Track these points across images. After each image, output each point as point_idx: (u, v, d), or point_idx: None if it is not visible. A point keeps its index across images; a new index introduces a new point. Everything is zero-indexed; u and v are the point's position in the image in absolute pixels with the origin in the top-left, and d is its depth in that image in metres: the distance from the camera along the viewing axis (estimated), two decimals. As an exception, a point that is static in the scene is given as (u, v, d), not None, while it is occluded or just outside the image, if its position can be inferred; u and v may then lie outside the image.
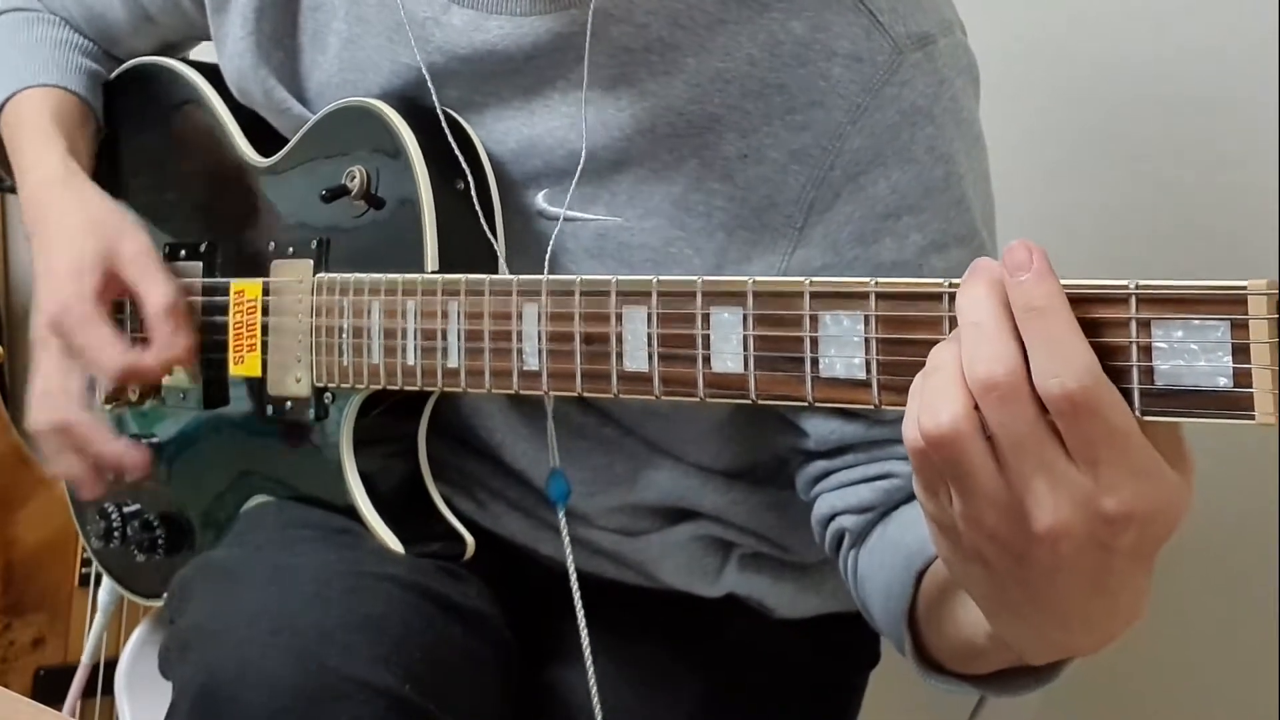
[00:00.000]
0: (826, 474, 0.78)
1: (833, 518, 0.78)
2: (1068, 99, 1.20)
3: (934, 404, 0.51)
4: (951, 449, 0.50)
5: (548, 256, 0.77)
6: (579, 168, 0.76)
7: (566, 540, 0.76)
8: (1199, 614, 1.17)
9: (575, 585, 0.74)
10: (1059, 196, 1.20)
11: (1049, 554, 0.51)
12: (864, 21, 0.74)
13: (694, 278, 0.64)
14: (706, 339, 0.63)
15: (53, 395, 0.87)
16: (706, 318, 0.63)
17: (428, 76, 0.81)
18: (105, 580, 1.08)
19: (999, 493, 0.50)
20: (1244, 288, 0.48)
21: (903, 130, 0.74)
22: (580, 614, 0.73)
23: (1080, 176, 1.20)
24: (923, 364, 0.55)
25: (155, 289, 0.86)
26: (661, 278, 0.65)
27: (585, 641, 0.73)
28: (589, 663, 0.73)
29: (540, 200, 0.80)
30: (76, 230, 0.89)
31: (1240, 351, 0.48)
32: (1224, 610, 1.16)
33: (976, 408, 0.50)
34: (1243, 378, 0.48)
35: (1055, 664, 0.62)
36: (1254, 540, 1.12)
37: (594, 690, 0.74)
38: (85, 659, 1.22)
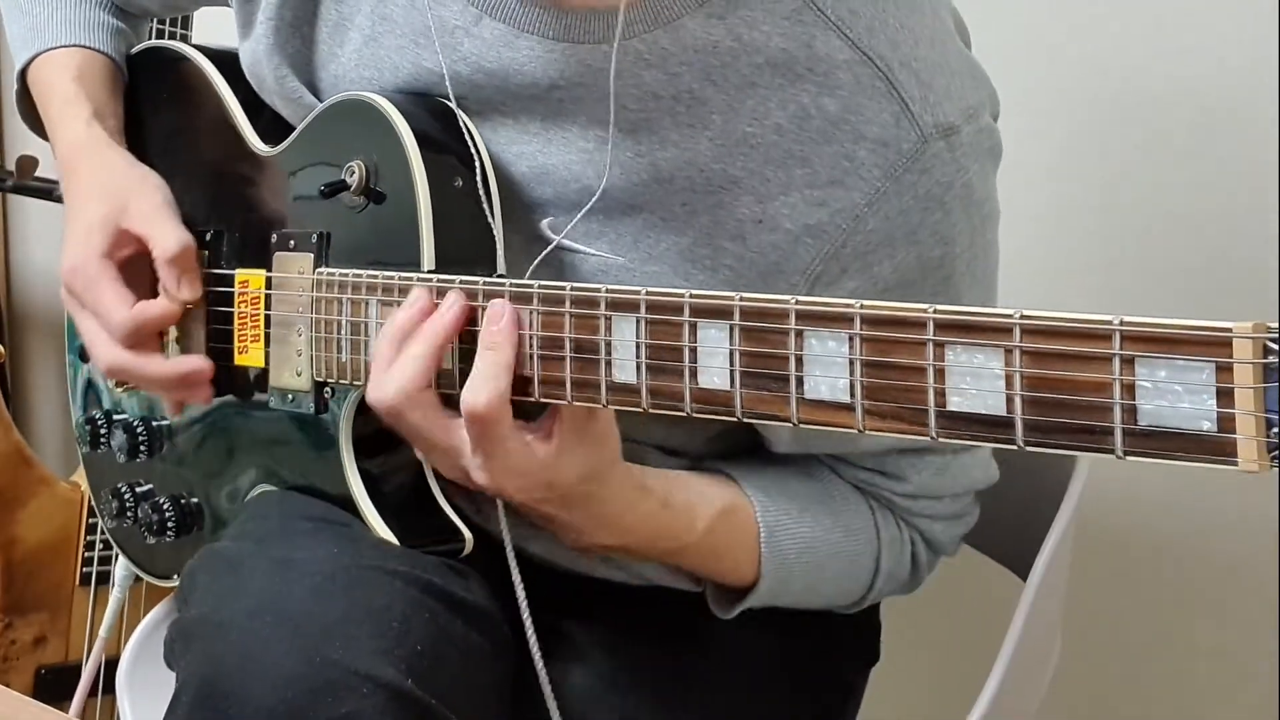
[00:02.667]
0: None
1: None
2: (1068, 98, 1.18)
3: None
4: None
5: (536, 276, 0.77)
6: (590, 203, 0.76)
7: (503, 517, 0.79)
8: (1199, 614, 1.16)
9: (515, 570, 0.78)
10: (1059, 195, 1.18)
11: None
12: (895, 109, 0.73)
13: (682, 290, 0.63)
14: (694, 353, 0.62)
15: (94, 346, 0.89)
16: (694, 330, 0.62)
17: (449, 84, 0.80)
18: (120, 559, 1.10)
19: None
20: (1229, 330, 0.46)
21: (914, 215, 0.74)
22: (523, 600, 0.77)
23: (1079, 176, 1.19)
24: (907, 389, 0.55)
25: (161, 237, 0.87)
26: (650, 289, 0.64)
27: (530, 632, 0.77)
28: (536, 656, 0.78)
29: (544, 226, 0.79)
30: (91, 194, 0.91)
31: (1224, 395, 0.46)
32: (1224, 610, 1.15)
33: None
34: (1226, 422, 0.46)
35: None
36: (1254, 541, 1.10)
37: (546, 687, 0.78)
38: (102, 633, 1.23)
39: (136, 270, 0.89)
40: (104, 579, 1.57)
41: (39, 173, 1.40)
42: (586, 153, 0.77)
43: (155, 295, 0.89)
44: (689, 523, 0.80)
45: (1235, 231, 1.11)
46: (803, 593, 0.85)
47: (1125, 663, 1.19)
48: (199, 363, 0.88)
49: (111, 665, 1.10)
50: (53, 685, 1.56)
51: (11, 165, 1.41)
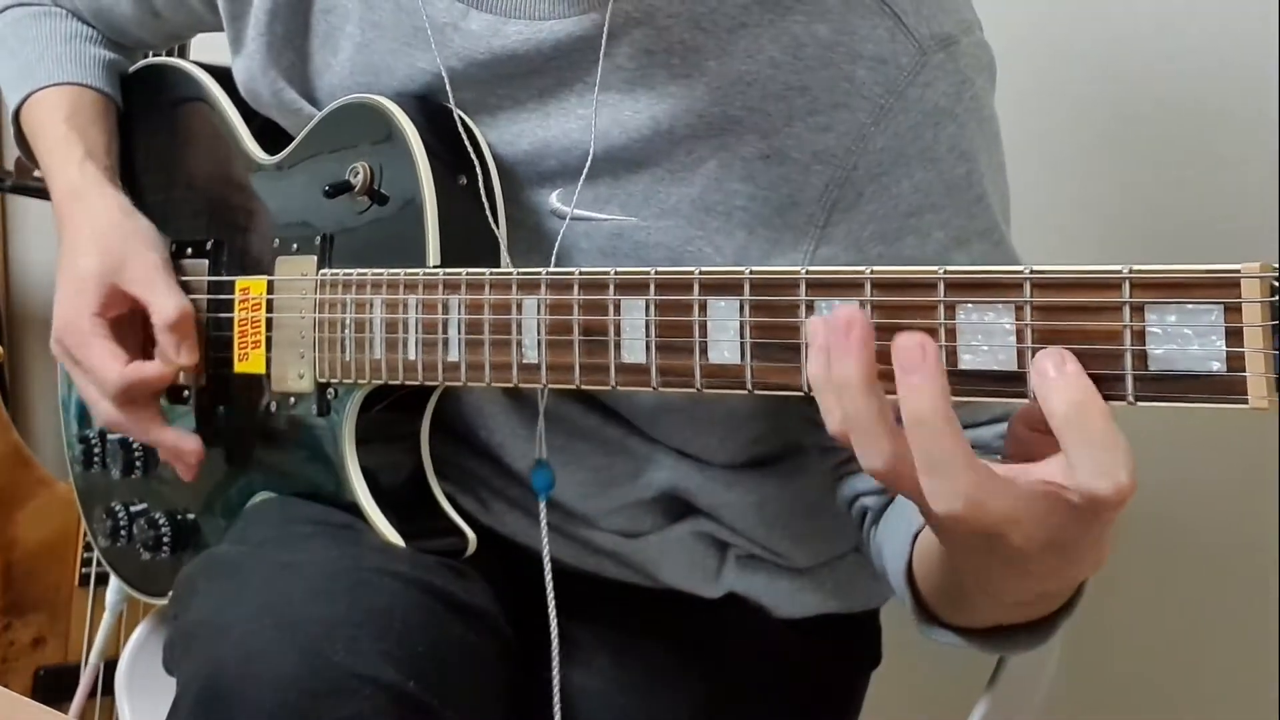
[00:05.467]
0: (849, 459, 0.80)
1: (855, 499, 0.80)
2: (1068, 99, 1.20)
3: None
4: None
5: (555, 251, 0.78)
6: (585, 168, 0.76)
7: (544, 527, 0.77)
8: (1199, 613, 1.16)
9: (549, 577, 0.75)
10: (1059, 196, 1.20)
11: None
12: (888, 24, 0.74)
13: (692, 269, 0.64)
14: (704, 328, 0.63)
15: (93, 403, 0.90)
16: (704, 307, 0.63)
17: (446, 80, 0.81)
18: (113, 579, 1.09)
19: None
20: (1237, 271, 0.47)
21: (925, 130, 0.74)
22: (551, 605, 0.75)
23: (1080, 176, 1.20)
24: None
25: (160, 302, 0.87)
26: (659, 269, 0.65)
27: (554, 632, 0.75)
28: (554, 656, 0.76)
29: (554, 200, 0.79)
30: (83, 247, 0.90)
31: (1234, 335, 0.48)
32: (1224, 610, 1.15)
33: None
34: (1236, 362, 0.48)
35: (1045, 624, 0.67)
36: (1255, 541, 1.11)
37: (556, 684, 0.77)
38: (93, 659, 1.22)
39: (128, 327, 0.90)
40: (103, 579, 1.56)
41: (38, 173, 1.41)
42: (584, 119, 0.77)
43: (145, 353, 0.90)
44: None
45: (1237, 234, 1.12)
46: None
47: (1126, 662, 1.19)
48: (193, 445, 0.88)
49: (111, 666, 1.09)
50: (52, 686, 1.55)
51: (11, 165, 1.41)
